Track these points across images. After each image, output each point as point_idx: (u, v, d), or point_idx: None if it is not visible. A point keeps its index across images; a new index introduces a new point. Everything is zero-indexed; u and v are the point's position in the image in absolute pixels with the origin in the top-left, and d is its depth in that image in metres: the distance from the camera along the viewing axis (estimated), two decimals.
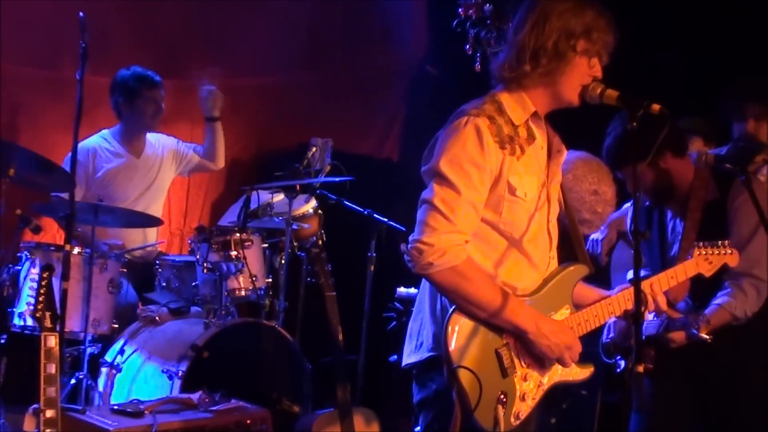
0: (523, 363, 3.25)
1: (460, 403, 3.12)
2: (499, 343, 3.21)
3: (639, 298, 3.02)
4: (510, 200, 3.21)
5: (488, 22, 3.63)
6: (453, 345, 3.13)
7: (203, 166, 6.74)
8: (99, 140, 6.29)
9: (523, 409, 3.25)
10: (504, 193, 3.20)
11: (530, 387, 3.27)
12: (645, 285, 3.49)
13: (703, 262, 3.77)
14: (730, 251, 3.84)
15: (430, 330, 3.26)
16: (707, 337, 4.07)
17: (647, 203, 4.49)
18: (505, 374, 3.21)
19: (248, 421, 4.77)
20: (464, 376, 3.11)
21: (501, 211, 3.21)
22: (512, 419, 3.22)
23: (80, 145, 6.13)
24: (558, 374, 3.34)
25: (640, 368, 2.94)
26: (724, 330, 4.18)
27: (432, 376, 3.23)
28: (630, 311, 3.11)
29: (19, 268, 5.57)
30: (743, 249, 4.09)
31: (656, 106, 3.11)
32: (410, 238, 3.17)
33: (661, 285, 3.57)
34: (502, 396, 3.17)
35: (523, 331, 3.19)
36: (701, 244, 3.80)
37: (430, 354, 3.23)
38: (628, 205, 4.73)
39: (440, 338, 3.16)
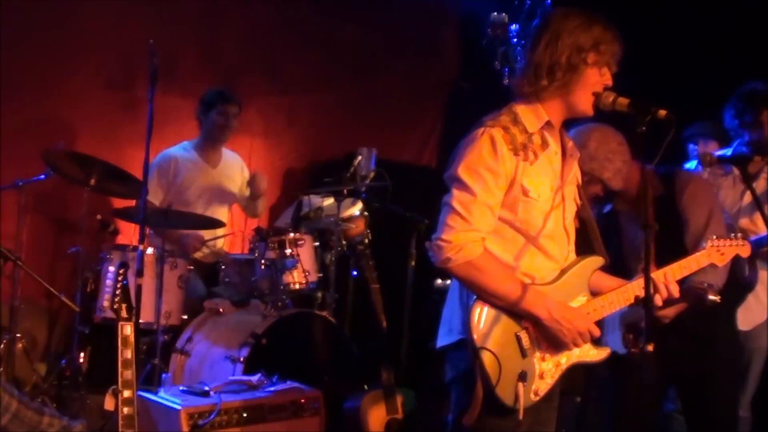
0: (541, 345, 3.26)
1: (482, 381, 3.14)
2: (518, 328, 3.22)
3: (649, 282, 3.01)
4: (524, 201, 3.23)
5: (514, 40, 3.65)
6: (475, 329, 3.16)
7: (245, 209, 6.77)
8: (180, 150, 6.33)
9: (542, 386, 3.26)
10: (518, 195, 3.22)
11: (549, 367, 3.28)
12: (659, 274, 3.46)
13: (715, 252, 3.71)
14: (742, 243, 3.76)
15: (458, 316, 3.28)
16: (717, 297, 4.01)
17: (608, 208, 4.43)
18: (525, 355, 3.22)
19: (302, 400, 4.78)
20: (486, 357, 3.13)
21: (516, 210, 3.23)
22: (532, 395, 3.23)
23: (163, 153, 6.24)
24: (576, 355, 3.33)
25: (650, 347, 2.93)
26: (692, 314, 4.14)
27: (461, 357, 3.25)
28: (641, 297, 3.08)
29: (100, 267, 5.63)
30: (703, 234, 4.06)
31: (663, 112, 3.10)
32: (432, 236, 3.21)
33: (674, 274, 3.53)
34: (522, 374, 3.18)
35: (537, 318, 3.21)
36: (714, 236, 3.75)
37: (459, 337, 3.26)
38: None
39: (465, 323, 3.18)
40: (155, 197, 6.06)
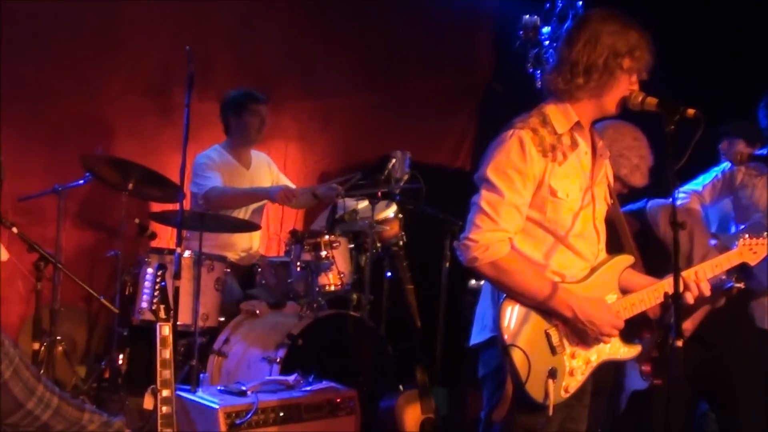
0: (571, 342, 3.30)
1: (512, 378, 3.18)
2: (548, 325, 3.27)
3: (678, 279, 3.03)
4: (552, 201, 3.27)
5: (546, 43, 3.67)
6: (505, 326, 3.21)
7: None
8: (213, 153, 6.36)
9: (572, 383, 3.30)
10: (547, 195, 3.26)
11: (579, 364, 3.31)
12: (690, 273, 3.48)
13: (747, 251, 3.71)
14: None
15: (490, 314, 3.33)
16: (741, 284, 4.02)
17: None
18: (555, 352, 3.26)
19: (338, 400, 4.83)
20: (516, 354, 3.18)
21: (545, 211, 3.27)
22: (562, 392, 3.27)
23: (203, 153, 6.29)
24: (606, 352, 3.37)
25: (679, 342, 2.96)
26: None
27: (493, 354, 3.29)
28: (671, 294, 3.10)
29: (138, 270, 5.70)
30: (690, 254, 4.09)
31: (691, 111, 3.12)
32: (461, 236, 3.26)
33: (705, 272, 3.54)
34: (552, 371, 3.22)
35: (563, 316, 3.25)
36: (747, 235, 3.75)
37: (490, 335, 3.30)
38: None
39: (496, 320, 3.23)
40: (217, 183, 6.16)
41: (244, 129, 6.34)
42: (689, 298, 3.45)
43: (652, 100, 3.25)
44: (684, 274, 3.43)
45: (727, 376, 4.37)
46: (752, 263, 3.76)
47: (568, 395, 3.29)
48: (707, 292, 3.50)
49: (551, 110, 3.33)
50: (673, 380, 3.22)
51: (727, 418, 4.51)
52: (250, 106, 6.30)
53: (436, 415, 5.25)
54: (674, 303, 3.02)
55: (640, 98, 3.28)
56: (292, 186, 6.56)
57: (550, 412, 3.21)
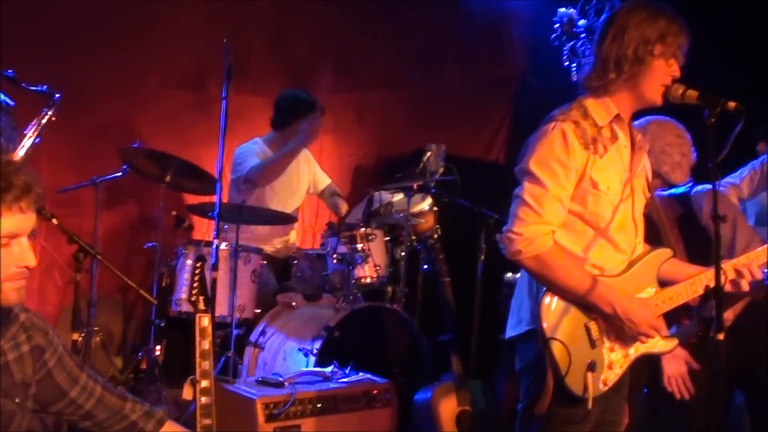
0: (610, 336, 3.30)
1: (552, 371, 3.19)
2: (587, 318, 3.27)
3: (719, 272, 3.02)
4: (594, 194, 3.26)
5: (582, 35, 3.66)
6: (545, 320, 3.20)
7: (325, 202, 6.86)
8: (254, 145, 6.37)
9: (611, 376, 3.30)
10: (588, 188, 3.25)
11: (617, 357, 3.31)
12: (741, 259, 3.47)
13: None
14: None
15: (528, 307, 3.33)
16: None
17: None
18: (594, 345, 3.26)
19: (374, 391, 4.84)
20: (556, 347, 3.18)
21: (587, 203, 3.26)
22: (600, 385, 3.27)
23: (244, 145, 6.32)
24: (644, 347, 3.36)
25: (721, 336, 2.95)
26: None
27: (530, 347, 3.29)
28: (711, 288, 3.09)
29: (176, 261, 5.74)
30: (733, 244, 4.04)
31: (732, 103, 3.11)
32: (503, 228, 3.26)
33: (758, 258, 3.49)
34: (591, 364, 3.22)
35: (603, 312, 3.24)
36: None
37: (528, 327, 3.31)
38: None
39: (535, 314, 3.23)
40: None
41: (305, 134, 6.27)
42: (744, 285, 3.45)
43: (692, 93, 3.23)
44: (733, 262, 3.44)
45: (763, 367, 4.34)
46: None
47: (606, 388, 3.29)
48: (759, 275, 3.48)
49: (591, 103, 3.32)
50: (715, 373, 3.21)
51: (760, 410, 4.47)
52: (316, 114, 6.30)
53: (472, 408, 5.25)
54: (715, 296, 3.00)
55: (680, 91, 3.26)
56: (328, 180, 6.63)
57: (590, 406, 3.22)
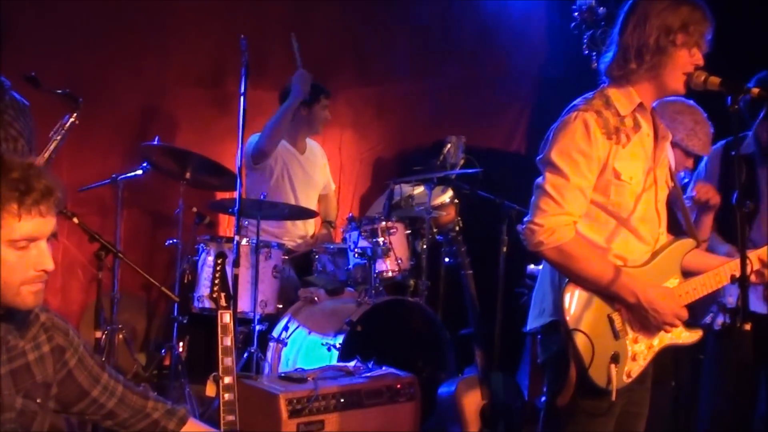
0: (634, 327, 3.27)
1: (575, 363, 3.17)
2: (610, 309, 3.25)
3: (745, 261, 2.98)
4: (616, 184, 3.23)
5: (602, 24, 3.63)
6: (568, 311, 3.19)
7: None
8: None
9: (635, 368, 3.28)
10: (611, 178, 3.23)
11: (641, 348, 3.29)
12: (754, 255, 3.42)
13: None
14: None
15: (550, 298, 3.31)
16: None
17: None
18: (617, 337, 3.24)
19: (398, 386, 4.82)
20: (579, 339, 3.16)
21: (609, 194, 3.24)
22: (624, 377, 3.25)
23: (253, 135, 6.30)
24: (668, 337, 3.34)
25: (747, 326, 2.91)
26: None
27: (553, 339, 3.27)
28: (737, 277, 3.05)
29: (197, 258, 5.74)
30: None
31: (756, 90, 3.08)
32: (525, 219, 3.24)
33: None
34: (615, 356, 3.20)
35: (626, 302, 3.22)
36: None
37: (551, 319, 3.29)
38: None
39: (558, 305, 3.20)
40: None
41: (314, 120, 6.40)
42: None
43: (714, 80, 3.19)
44: (758, 252, 3.42)
45: None
46: None
47: (630, 380, 3.27)
48: None
49: (613, 93, 3.29)
50: (742, 363, 3.20)
51: None
52: (321, 99, 6.36)
53: (496, 401, 5.23)
54: (741, 286, 2.96)
55: (702, 78, 3.22)
56: (333, 186, 6.76)
57: (614, 397, 3.20)
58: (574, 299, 3.20)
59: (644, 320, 3.25)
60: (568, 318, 3.17)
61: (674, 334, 3.34)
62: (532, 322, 3.42)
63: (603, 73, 3.36)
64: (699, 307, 3.54)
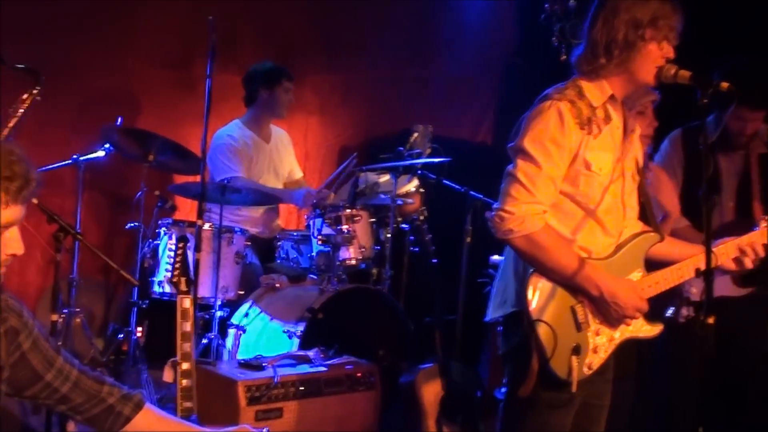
0: (596, 319, 3.28)
1: (537, 353, 3.17)
2: (574, 301, 3.25)
3: (710, 254, 2.97)
4: (586, 174, 3.24)
5: (572, 16, 3.63)
6: (532, 301, 3.19)
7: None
8: (234, 130, 6.31)
9: (596, 360, 3.29)
10: (581, 168, 3.23)
11: (602, 341, 3.30)
12: (739, 241, 3.48)
13: None
14: None
15: (513, 288, 3.30)
16: None
17: None
18: (579, 328, 3.25)
19: (358, 374, 4.81)
20: (542, 329, 3.16)
21: (578, 184, 3.24)
22: (585, 369, 3.26)
23: (227, 133, 6.26)
24: (629, 330, 3.35)
25: (711, 320, 2.90)
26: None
27: (515, 330, 3.27)
28: (702, 270, 3.04)
29: (158, 242, 5.67)
30: None
31: (725, 84, 3.08)
32: (494, 206, 3.21)
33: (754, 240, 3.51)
34: (576, 347, 3.19)
35: (589, 294, 3.23)
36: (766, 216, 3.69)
37: (513, 309, 3.28)
38: None
39: (521, 295, 3.18)
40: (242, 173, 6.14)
41: (275, 103, 6.31)
42: (748, 263, 3.47)
43: (685, 73, 3.20)
44: (737, 241, 3.46)
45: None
46: None
47: (591, 372, 3.28)
48: (762, 253, 3.49)
49: (585, 84, 3.30)
50: (705, 358, 3.17)
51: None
52: (283, 81, 6.29)
53: (456, 391, 5.22)
54: (706, 280, 2.96)
55: (672, 71, 3.22)
56: (301, 173, 6.70)
57: (574, 389, 3.21)
58: (537, 290, 3.20)
59: (606, 313, 3.25)
60: (531, 308, 3.17)
61: (635, 328, 3.35)
62: (494, 312, 3.41)
63: (574, 67, 3.36)
64: (661, 300, 3.54)
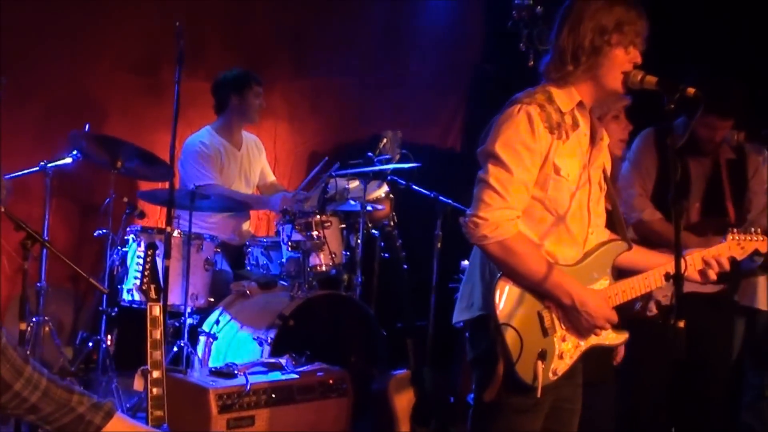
0: (562, 325, 3.29)
1: (503, 357, 3.16)
2: (541, 306, 3.25)
3: (680, 258, 2.99)
4: (555, 179, 3.24)
5: (539, 22, 3.64)
6: (499, 305, 3.18)
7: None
8: (205, 136, 6.29)
9: (561, 366, 3.29)
10: (550, 173, 3.23)
11: (568, 347, 3.30)
12: (704, 254, 3.47)
13: (735, 246, 3.62)
14: (761, 238, 3.67)
15: (480, 292, 3.30)
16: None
17: None
18: (546, 334, 3.25)
19: (330, 381, 4.82)
20: (508, 334, 3.16)
21: (547, 188, 3.24)
22: (550, 374, 3.26)
23: (199, 140, 6.24)
24: (595, 338, 3.35)
25: (681, 323, 2.92)
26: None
27: (483, 335, 3.26)
28: (672, 275, 3.05)
29: (127, 249, 5.65)
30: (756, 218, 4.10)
31: (691, 90, 3.10)
32: (467, 212, 3.21)
33: (720, 252, 3.51)
34: (542, 353, 3.20)
35: (561, 303, 3.23)
36: (735, 230, 3.71)
37: (480, 313, 3.28)
38: None
39: (488, 299, 3.19)
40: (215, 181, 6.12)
41: (247, 108, 6.30)
42: (712, 275, 3.48)
43: (651, 79, 3.21)
44: (703, 253, 3.47)
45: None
46: (739, 258, 3.72)
47: (556, 378, 3.28)
48: (727, 267, 3.50)
49: (554, 89, 3.31)
50: (676, 362, 3.21)
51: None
52: (253, 86, 6.27)
53: (427, 397, 5.22)
54: (676, 284, 2.97)
55: (639, 77, 3.24)
56: (273, 177, 6.68)
57: (539, 394, 3.20)
58: (504, 294, 3.19)
59: (576, 322, 3.26)
60: (498, 312, 3.17)
61: (602, 336, 3.35)
62: (459, 315, 3.41)
63: (542, 75, 3.37)
64: (626, 309, 3.56)
